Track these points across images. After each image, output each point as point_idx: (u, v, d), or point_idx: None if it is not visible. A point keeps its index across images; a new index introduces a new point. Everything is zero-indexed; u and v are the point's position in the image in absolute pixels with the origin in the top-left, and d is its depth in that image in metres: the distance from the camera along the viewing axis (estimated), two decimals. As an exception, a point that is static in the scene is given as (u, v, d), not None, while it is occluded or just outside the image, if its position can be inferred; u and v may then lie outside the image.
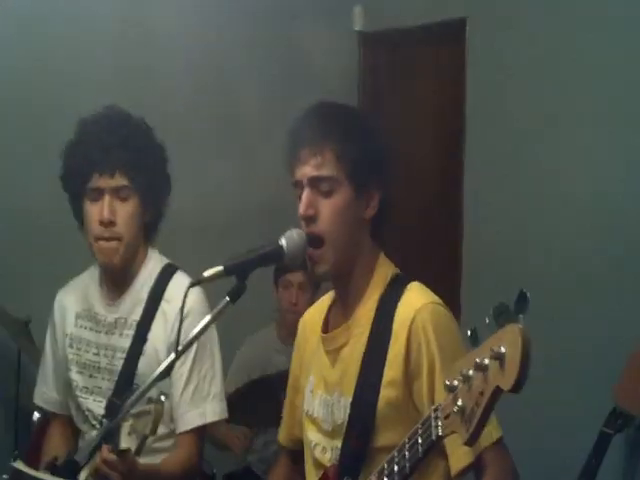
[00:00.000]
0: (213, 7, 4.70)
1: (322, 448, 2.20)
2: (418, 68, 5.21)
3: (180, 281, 2.73)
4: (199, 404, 2.68)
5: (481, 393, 1.40)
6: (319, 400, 2.24)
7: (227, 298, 2.05)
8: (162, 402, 2.11)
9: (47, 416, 3.02)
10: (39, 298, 3.83)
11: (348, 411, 2.11)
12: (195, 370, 2.67)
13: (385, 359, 2.08)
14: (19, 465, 2.50)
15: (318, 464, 2.21)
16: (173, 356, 2.10)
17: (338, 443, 2.14)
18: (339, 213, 2.13)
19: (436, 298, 2.14)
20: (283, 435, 2.48)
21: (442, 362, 2.01)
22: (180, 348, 2.09)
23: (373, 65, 5.41)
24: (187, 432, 2.66)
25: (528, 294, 1.39)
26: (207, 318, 2.09)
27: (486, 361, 1.38)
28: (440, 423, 1.59)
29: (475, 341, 1.46)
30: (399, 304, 2.12)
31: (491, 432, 1.98)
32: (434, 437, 1.69)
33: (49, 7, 4.20)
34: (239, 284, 2.06)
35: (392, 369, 2.07)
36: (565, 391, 4.05)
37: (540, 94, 4.40)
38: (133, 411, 2.17)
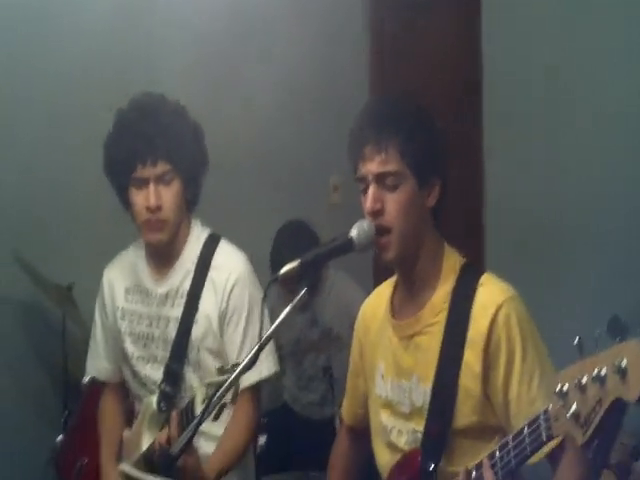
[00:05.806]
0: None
1: (398, 431, 2.28)
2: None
3: (225, 249, 2.87)
4: None
5: (599, 402, 1.49)
6: (391, 385, 2.31)
7: (305, 288, 2.13)
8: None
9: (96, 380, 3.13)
10: (80, 264, 3.92)
11: (429, 397, 2.19)
12: (249, 330, 2.77)
13: (463, 348, 2.15)
14: (124, 467, 2.64)
15: (393, 447, 2.29)
16: (256, 347, 2.14)
17: (414, 426, 2.22)
18: (404, 206, 2.21)
19: (514, 291, 2.20)
20: (347, 413, 2.58)
21: (522, 356, 2.11)
22: (264, 337, 2.15)
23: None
24: (246, 389, 2.70)
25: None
26: (287, 309, 2.13)
27: (603, 372, 1.46)
28: (552, 425, 1.69)
29: (581, 350, 1.54)
30: (476, 295, 2.18)
31: None
32: (544, 438, 1.77)
33: None
34: (314, 276, 2.16)
35: (470, 358, 2.15)
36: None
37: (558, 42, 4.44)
38: (206, 381, 2.30)
